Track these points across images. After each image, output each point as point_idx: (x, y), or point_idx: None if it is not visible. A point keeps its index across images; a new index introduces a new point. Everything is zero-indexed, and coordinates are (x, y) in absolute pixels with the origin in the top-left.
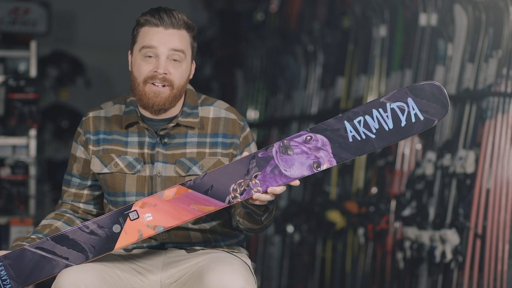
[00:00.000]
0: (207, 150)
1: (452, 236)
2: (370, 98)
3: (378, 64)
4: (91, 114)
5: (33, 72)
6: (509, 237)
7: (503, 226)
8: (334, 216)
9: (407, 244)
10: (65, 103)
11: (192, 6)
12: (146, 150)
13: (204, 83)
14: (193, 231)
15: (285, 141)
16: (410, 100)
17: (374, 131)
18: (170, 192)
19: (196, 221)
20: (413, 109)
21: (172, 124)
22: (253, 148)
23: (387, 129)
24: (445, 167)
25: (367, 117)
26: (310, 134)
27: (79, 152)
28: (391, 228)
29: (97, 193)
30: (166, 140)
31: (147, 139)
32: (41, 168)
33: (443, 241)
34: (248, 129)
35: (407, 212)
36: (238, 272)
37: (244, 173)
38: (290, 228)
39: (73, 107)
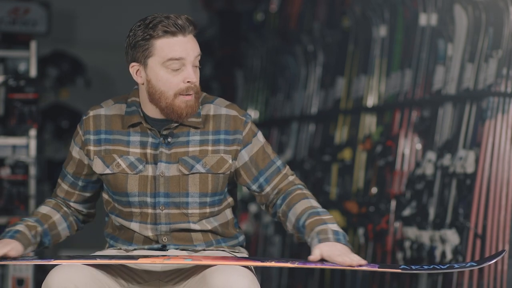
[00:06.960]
0: (210, 148)
1: (452, 236)
2: (370, 98)
3: (378, 64)
4: (91, 113)
5: (33, 72)
6: (509, 237)
7: (503, 226)
8: (334, 216)
9: (407, 244)
10: (65, 103)
11: (192, 6)
12: (149, 150)
13: (204, 83)
14: (195, 232)
15: None
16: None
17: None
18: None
19: (198, 222)
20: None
21: (176, 124)
22: (260, 137)
23: (438, 268)
24: (445, 167)
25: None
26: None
27: (74, 151)
28: (391, 228)
29: (87, 194)
30: (169, 139)
31: (150, 139)
32: (41, 168)
33: (443, 241)
34: (250, 123)
35: (407, 212)
36: (243, 272)
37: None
38: None
39: (73, 107)
